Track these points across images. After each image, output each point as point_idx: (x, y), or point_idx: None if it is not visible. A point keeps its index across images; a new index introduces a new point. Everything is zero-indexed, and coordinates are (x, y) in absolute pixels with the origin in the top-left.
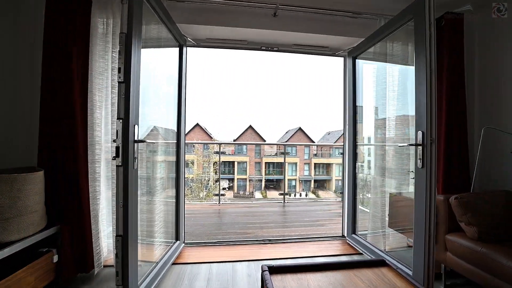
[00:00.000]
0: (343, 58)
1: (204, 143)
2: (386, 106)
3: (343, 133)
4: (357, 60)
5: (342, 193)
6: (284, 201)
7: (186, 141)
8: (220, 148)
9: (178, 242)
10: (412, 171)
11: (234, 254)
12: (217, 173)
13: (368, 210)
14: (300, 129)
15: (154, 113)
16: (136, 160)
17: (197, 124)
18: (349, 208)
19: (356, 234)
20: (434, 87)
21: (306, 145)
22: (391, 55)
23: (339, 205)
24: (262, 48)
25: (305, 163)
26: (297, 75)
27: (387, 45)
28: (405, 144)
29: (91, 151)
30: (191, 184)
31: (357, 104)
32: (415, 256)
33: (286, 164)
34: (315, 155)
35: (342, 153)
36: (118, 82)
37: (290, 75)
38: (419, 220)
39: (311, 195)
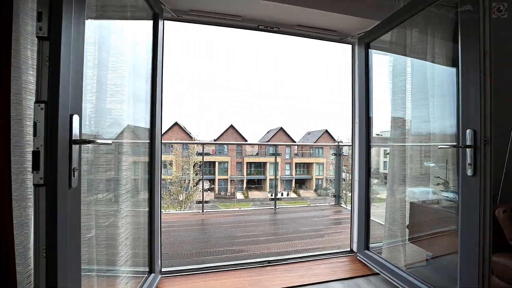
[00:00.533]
0: (351, 45)
1: (183, 143)
2: (405, 102)
3: (352, 132)
4: (369, 49)
5: (336, 195)
6: (275, 207)
7: (162, 141)
8: (203, 149)
9: (153, 275)
10: (438, 177)
11: (229, 285)
12: (198, 174)
13: (382, 222)
14: (281, 128)
15: (117, 105)
16: (77, 173)
17: (176, 123)
18: (361, 220)
19: (369, 250)
20: (489, 73)
21: (287, 145)
22: (411, 46)
23: (333, 209)
24: (260, 27)
25: (286, 163)
26: (280, 74)
27: (405, 33)
28: (446, 146)
29: (18, 157)
30: (169, 187)
31: (370, 98)
32: (462, 285)
33: (273, 164)
34: (296, 154)
35: (335, 154)
36: (37, 37)
37: (272, 74)
38: (468, 240)
39: (292, 195)
